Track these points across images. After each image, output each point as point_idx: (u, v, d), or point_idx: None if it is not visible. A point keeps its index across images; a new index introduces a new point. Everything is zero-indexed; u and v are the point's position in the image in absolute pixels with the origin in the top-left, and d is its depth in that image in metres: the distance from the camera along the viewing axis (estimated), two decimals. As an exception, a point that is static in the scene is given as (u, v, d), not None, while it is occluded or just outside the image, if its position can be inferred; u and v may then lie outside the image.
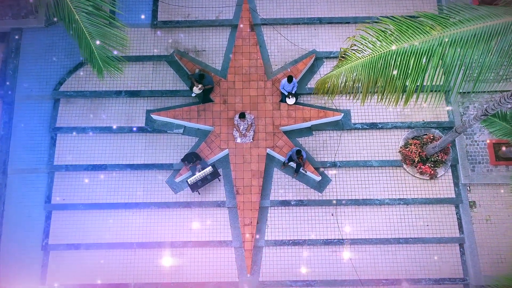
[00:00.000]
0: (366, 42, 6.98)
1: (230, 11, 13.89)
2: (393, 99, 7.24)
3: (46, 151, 12.98)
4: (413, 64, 6.56)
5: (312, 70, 13.48)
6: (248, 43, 13.25)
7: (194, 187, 12.08)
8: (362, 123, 13.02)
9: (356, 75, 7.36)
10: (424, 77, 6.60)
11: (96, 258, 12.21)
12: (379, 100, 7.44)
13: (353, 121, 13.04)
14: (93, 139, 13.05)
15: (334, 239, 12.21)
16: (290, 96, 12.65)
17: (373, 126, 12.98)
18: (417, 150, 12.51)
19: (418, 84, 6.77)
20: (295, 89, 12.62)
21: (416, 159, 12.47)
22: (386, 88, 7.05)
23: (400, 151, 12.80)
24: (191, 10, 13.93)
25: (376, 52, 6.85)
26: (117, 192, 12.67)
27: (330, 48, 13.60)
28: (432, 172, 12.49)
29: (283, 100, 12.84)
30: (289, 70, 13.07)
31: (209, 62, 13.51)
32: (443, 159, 12.58)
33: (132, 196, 12.61)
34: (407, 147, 12.69)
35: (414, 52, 6.47)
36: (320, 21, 13.77)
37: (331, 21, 13.79)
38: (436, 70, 6.49)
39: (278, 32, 13.76)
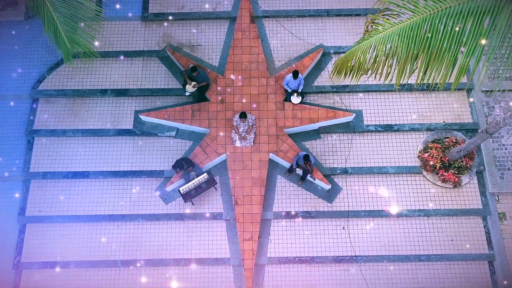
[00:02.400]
0: (405, 2, 5.09)
1: (229, 3, 12.16)
2: (439, 78, 5.29)
3: (21, 156, 11.12)
4: (470, 27, 4.65)
5: (319, 66, 11.67)
6: (248, 36, 11.46)
7: (187, 196, 10.20)
8: (375, 124, 11.17)
9: (391, 47, 5.45)
10: (484, 46, 4.69)
11: (75, 278, 10.29)
12: (419, 80, 5.51)
13: (365, 123, 11.19)
14: (74, 143, 11.20)
15: (346, 256, 10.30)
16: (296, 95, 10.79)
17: (388, 128, 11.13)
18: (438, 155, 10.64)
19: (476, 55, 4.82)
20: (301, 86, 10.79)
21: (438, 165, 10.60)
22: (430, 63, 5.12)
23: (419, 156, 10.94)
24: (185, 2, 12.22)
25: (419, 14, 4.96)
26: (100, 202, 10.79)
27: (339, 43, 11.82)
28: (456, 179, 10.60)
29: (287, 99, 11.00)
30: (294, 66, 11.26)
31: (205, 58, 11.72)
32: (468, 165, 10.70)
33: (117, 207, 10.73)
34: (427, 152, 10.83)
35: (472, 11, 4.56)
36: (328, 13, 12.01)
37: (339, 13, 12.04)
38: (502, 34, 4.56)
39: (282, 25, 11.98)
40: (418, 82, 5.50)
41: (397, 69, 5.63)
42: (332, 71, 7.17)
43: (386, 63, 5.69)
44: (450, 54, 4.92)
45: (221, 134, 10.80)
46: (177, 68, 11.63)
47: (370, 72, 6.09)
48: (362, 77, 6.48)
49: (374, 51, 5.76)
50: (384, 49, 5.55)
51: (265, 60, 11.35)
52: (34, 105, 11.43)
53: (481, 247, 10.39)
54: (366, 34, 5.88)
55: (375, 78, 6.07)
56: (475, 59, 4.82)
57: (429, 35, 4.82)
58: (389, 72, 5.85)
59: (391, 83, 11.07)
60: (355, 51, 6.12)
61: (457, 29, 4.67)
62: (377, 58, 5.76)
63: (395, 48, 5.38)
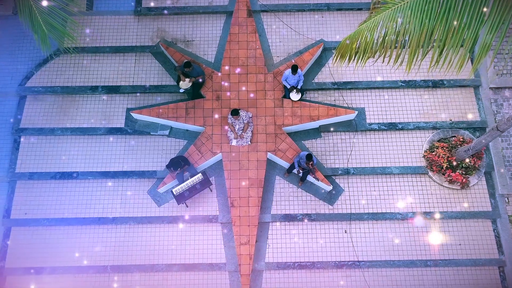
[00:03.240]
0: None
1: (225, -4, 11.54)
2: (457, 60, 4.62)
3: (7, 156, 10.48)
4: (495, -1, 4.02)
5: (319, 63, 11.06)
6: (246, 31, 10.85)
7: (181, 198, 9.56)
8: (379, 123, 10.55)
9: (402, 24, 4.78)
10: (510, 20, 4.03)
11: (62, 284, 9.62)
12: (433, 64, 4.85)
13: (368, 121, 10.56)
14: (63, 142, 10.58)
15: (349, 261, 9.64)
16: (295, 91, 10.16)
17: (392, 126, 10.50)
18: (445, 154, 10.00)
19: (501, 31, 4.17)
20: (301, 82, 10.18)
21: (445, 165, 9.95)
22: (447, 42, 4.46)
23: (424, 156, 10.30)
24: (180, -5, 11.60)
25: (436, -16, 4.31)
26: (89, 205, 10.15)
27: (340, 38, 11.22)
28: (464, 180, 9.95)
29: (286, 95, 10.37)
30: (293, 61, 10.64)
31: (201, 54, 11.10)
32: (476, 165, 10.05)
33: (107, 210, 10.08)
34: (433, 151, 10.20)
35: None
36: (328, 7, 11.42)
37: (340, 8, 11.44)
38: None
39: (280, 20, 11.37)
40: (433, 64, 4.84)
41: (409, 50, 4.96)
42: (334, 56, 6.48)
43: (397, 42, 5.01)
44: (470, 30, 4.27)
45: (217, 132, 10.16)
46: (171, 64, 11.03)
47: (378, 54, 5.42)
48: (367, 66, 5.82)
49: (383, 29, 5.08)
50: (395, 26, 4.87)
51: (263, 55, 10.74)
52: (21, 103, 10.81)
53: (491, 251, 9.75)
54: (373, 12, 5.22)
55: (383, 61, 5.42)
56: (499, 38, 4.17)
57: (446, 8, 4.15)
58: (400, 54, 5.18)
59: (395, 79, 10.69)
60: (361, 30, 5.42)
61: (484, 10, 4.02)
62: (386, 37, 5.08)
63: (407, 25, 4.71)
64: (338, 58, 6.30)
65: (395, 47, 5.09)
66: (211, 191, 10.17)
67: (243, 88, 10.43)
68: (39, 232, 9.96)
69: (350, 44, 5.63)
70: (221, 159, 10.14)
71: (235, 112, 9.58)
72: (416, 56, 4.93)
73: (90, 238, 9.91)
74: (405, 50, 5.08)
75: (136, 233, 9.94)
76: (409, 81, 10.78)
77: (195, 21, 11.40)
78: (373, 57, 5.57)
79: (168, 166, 9.54)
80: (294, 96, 10.23)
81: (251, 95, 10.36)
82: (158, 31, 11.33)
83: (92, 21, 11.38)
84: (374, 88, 10.80)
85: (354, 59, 5.76)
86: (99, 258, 9.77)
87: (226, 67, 10.60)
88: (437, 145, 10.24)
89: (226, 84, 10.48)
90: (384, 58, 5.39)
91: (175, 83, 10.71)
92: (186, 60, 9.86)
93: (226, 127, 10.07)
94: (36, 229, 9.97)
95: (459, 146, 10.15)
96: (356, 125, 10.53)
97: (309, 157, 8.90)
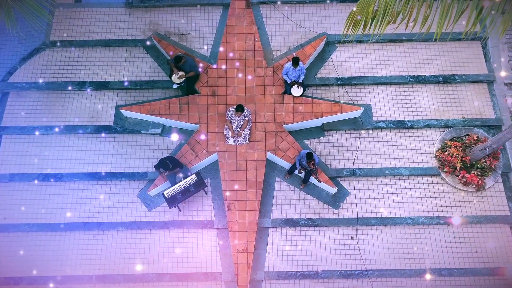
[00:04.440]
0: None
1: (222, -12, 10.75)
2: (500, 23, 3.74)
3: (-14, 156, 9.59)
4: None
5: (322, 57, 10.25)
6: (243, 22, 10.03)
7: (173, 201, 8.68)
8: (386, 121, 9.72)
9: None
10: None
11: (43, 296, 8.66)
12: (468, 27, 3.94)
13: (375, 119, 9.72)
14: (47, 141, 9.74)
15: (356, 270, 8.74)
16: (296, 86, 9.31)
17: (400, 124, 9.65)
18: (459, 154, 9.13)
19: None
20: (302, 76, 9.33)
21: (458, 166, 9.07)
22: (487, 0, 3.59)
23: (436, 156, 9.44)
24: (174, -13, 10.80)
25: None
26: (74, 208, 9.27)
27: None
28: (480, 182, 9.07)
29: (287, 91, 9.52)
30: (294, 55, 9.80)
31: (196, 47, 10.29)
32: (492, 166, 9.18)
33: (93, 214, 9.21)
34: (446, 151, 9.33)
35: None
36: (331, -1, 10.64)
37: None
38: None
39: (281, 13, 10.58)
40: (467, 29, 3.95)
41: (439, 11, 4.05)
42: (345, 24, 5.51)
43: (424, 2, 4.09)
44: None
45: (213, 130, 9.30)
46: (164, 58, 10.22)
47: (400, 17, 4.51)
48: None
49: (407, -15, 4.20)
50: (423, -21, 3.99)
51: (262, 49, 9.91)
52: (3, 99, 9.98)
53: (510, 259, 8.84)
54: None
55: (407, 26, 4.52)
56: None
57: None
58: (428, 15, 4.26)
59: (404, 75, 9.85)
60: (380, -11, 4.51)
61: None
62: (412, -6, 4.18)
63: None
64: (351, 26, 5.35)
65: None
66: (206, 193, 9.28)
67: (241, 83, 9.58)
68: (19, 239, 9.05)
69: (366, 8, 4.69)
70: (217, 159, 9.26)
71: (241, 108, 8.72)
72: (448, 18, 4.03)
73: (75, 245, 9.01)
74: (434, 10, 4.17)
75: (125, 240, 9.04)
76: (418, 76, 9.97)
77: (190, 14, 10.61)
78: (394, 22, 4.65)
79: (156, 167, 8.66)
80: (296, 91, 9.37)
81: (250, 84, 9.49)
82: (150, 24, 10.52)
83: (81, 13, 10.59)
84: (381, 83, 9.99)
85: (370, 26, 4.82)
86: (84, 266, 8.86)
87: (223, 61, 9.76)
88: (449, 144, 9.39)
89: (222, 79, 9.63)
90: (408, 21, 4.46)
91: (168, 78, 9.87)
92: (177, 54, 9.04)
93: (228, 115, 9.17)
94: (16, 235, 9.07)
95: (473, 145, 9.29)
96: (362, 123, 9.69)
97: (310, 155, 8.04)
